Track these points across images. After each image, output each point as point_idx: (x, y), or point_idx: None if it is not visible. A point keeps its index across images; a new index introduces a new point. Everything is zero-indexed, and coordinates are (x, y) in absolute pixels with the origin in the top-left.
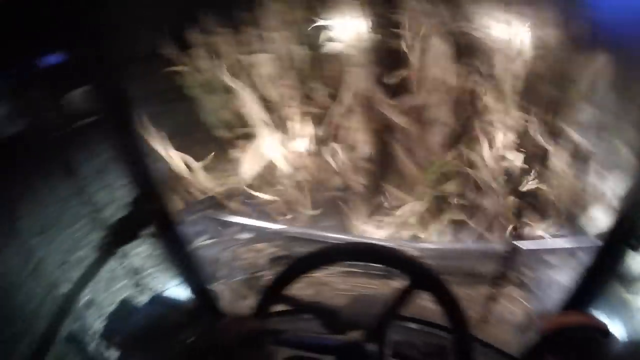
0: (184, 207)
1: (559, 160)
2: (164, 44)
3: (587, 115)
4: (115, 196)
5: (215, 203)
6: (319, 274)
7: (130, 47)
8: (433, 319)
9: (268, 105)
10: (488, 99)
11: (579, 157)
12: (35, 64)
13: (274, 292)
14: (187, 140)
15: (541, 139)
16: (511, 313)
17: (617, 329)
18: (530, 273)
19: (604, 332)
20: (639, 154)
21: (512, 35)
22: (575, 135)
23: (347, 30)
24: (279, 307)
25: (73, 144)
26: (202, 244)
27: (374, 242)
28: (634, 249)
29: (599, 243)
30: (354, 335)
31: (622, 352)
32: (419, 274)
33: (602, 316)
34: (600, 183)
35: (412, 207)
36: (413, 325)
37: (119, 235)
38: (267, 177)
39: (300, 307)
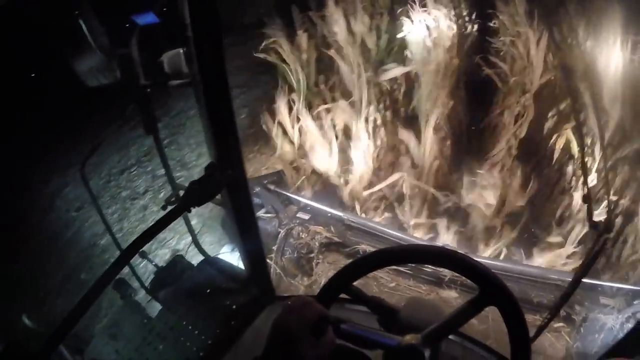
0: (251, 178)
1: None
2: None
3: None
4: (188, 160)
5: (281, 179)
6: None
7: (232, 16)
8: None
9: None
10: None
11: None
12: (134, 21)
13: (345, 280)
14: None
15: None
16: (552, 346)
17: None
18: (582, 311)
19: None
20: None
21: None
22: None
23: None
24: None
25: (159, 103)
26: (261, 216)
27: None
28: None
29: None
30: (412, 338)
31: None
32: (492, 287)
33: None
34: None
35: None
36: (456, 339)
37: (188, 199)
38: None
39: (362, 300)
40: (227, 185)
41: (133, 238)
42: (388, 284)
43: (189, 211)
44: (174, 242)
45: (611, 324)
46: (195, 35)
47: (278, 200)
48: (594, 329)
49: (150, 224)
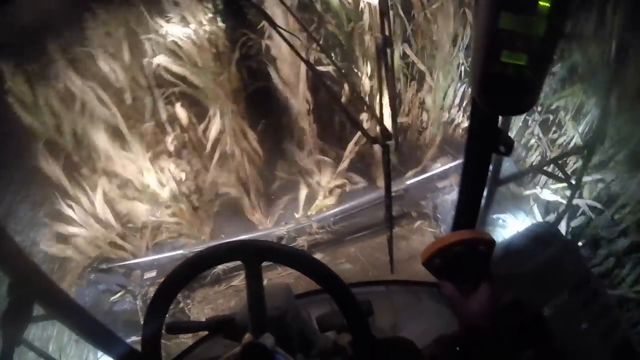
0: (80, 271)
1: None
2: None
3: None
4: None
5: (107, 255)
6: (236, 282)
7: None
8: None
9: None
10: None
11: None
12: None
13: (154, 326)
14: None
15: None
16: (423, 244)
17: (522, 219)
18: (428, 203)
19: (487, 242)
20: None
21: None
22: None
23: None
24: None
25: None
26: (113, 299)
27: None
28: (504, 154)
29: (472, 157)
30: (245, 338)
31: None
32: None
33: (505, 215)
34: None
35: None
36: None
37: (9, 330)
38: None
39: (196, 329)
40: (39, 298)
41: None
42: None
43: (21, 341)
44: None
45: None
46: None
47: (119, 274)
48: (448, 208)
49: None
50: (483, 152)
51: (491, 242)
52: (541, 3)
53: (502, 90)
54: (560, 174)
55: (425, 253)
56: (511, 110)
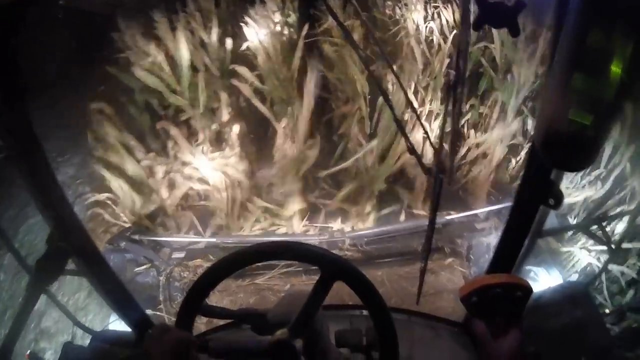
0: (112, 236)
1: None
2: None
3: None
4: (35, 236)
5: (143, 227)
6: (259, 280)
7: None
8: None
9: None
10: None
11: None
12: None
13: (193, 304)
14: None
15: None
16: (450, 281)
17: (555, 276)
18: (464, 242)
19: (526, 289)
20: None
21: None
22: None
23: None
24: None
25: None
26: (137, 270)
27: (283, 239)
28: (553, 207)
29: (520, 205)
30: (280, 333)
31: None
32: (330, 265)
33: (538, 268)
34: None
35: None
36: (357, 312)
37: (39, 276)
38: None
39: (226, 316)
40: (75, 253)
41: None
42: (283, 288)
43: (45, 291)
44: (58, 329)
45: (494, 242)
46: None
47: (148, 248)
48: (482, 251)
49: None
50: (532, 202)
51: (529, 290)
52: (613, 69)
53: (563, 145)
54: (602, 236)
55: (464, 289)
56: (568, 166)
